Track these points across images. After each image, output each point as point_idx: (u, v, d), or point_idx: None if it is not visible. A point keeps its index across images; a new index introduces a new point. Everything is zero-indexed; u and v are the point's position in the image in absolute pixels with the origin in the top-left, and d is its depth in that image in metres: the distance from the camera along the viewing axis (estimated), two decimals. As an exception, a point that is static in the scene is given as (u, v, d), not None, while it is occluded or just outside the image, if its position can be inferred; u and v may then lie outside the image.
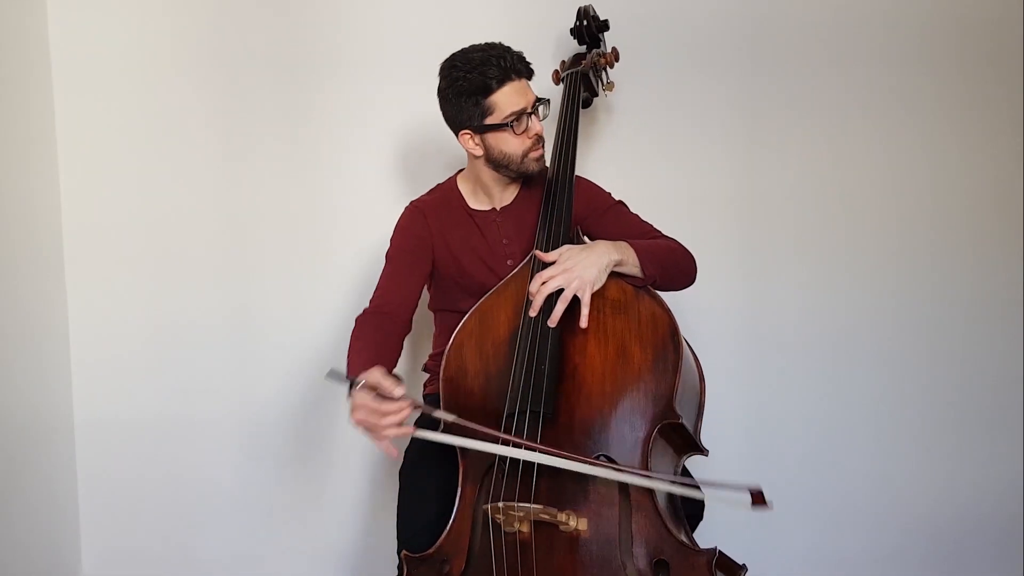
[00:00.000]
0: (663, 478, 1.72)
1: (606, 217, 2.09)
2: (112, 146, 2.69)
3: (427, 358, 2.24)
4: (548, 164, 2.10)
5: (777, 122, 2.59)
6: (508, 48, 1.96)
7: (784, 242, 2.62)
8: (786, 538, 2.64)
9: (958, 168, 2.57)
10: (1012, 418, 2.58)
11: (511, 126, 1.95)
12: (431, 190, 2.20)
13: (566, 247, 1.86)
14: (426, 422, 1.81)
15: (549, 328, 1.78)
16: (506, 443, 1.70)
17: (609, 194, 2.15)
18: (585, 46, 2.41)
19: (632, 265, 1.83)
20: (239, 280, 2.71)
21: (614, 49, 2.35)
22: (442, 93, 2.00)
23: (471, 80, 1.92)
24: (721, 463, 2.42)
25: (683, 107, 2.60)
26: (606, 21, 2.39)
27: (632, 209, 2.13)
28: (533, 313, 1.80)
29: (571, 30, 2.41)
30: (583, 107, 2.33)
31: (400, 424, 1.66)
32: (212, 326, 2.72)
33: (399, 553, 1.89)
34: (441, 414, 1.70)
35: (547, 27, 2.56)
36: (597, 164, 2.57)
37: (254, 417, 2.72)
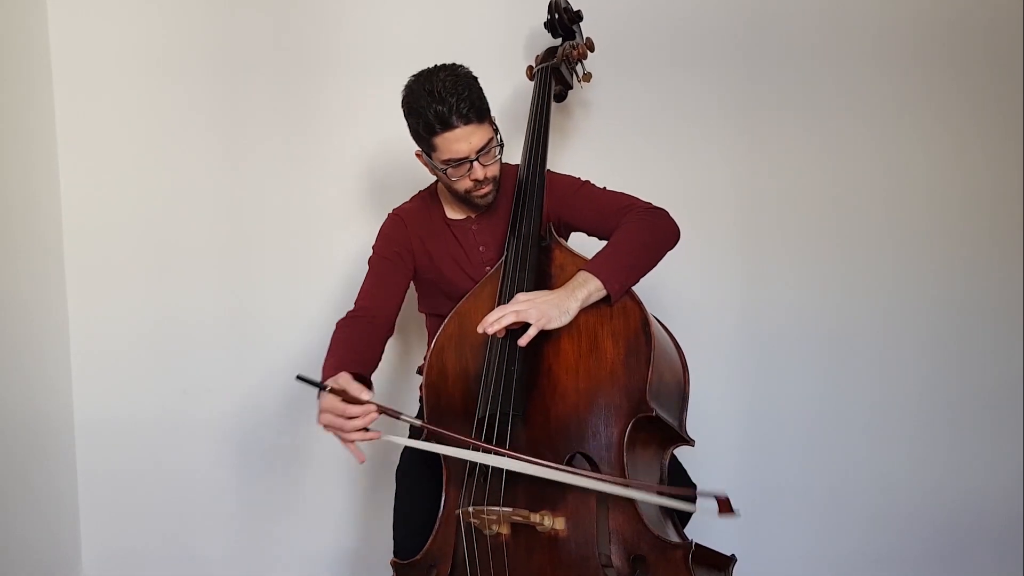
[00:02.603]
0: (631, 483, 1.70)
1: (576, 201, 2.07)
2: (112, 146, 2.70)
3: (422, 360, 2.22)
4: (520, 162, 2.10)
5: (765, 116, 2.58)
6: (461, 87, 1.87)
7: (778, 240, 2.61)
8: (784, 537, 2.64)
9: (955, 166, 2.56)
10: (1011, 417, 2.58)
11: (445, 172, 1.93)
12: (412, 197, 2.19)
13: (530, 292, 1.81)
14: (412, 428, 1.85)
15: (520, 330, 1.77)
16: (479, 449, 1.71)
17: (574, 177, 2.12)
18: (560, 39, 2.39)
19: (597, 291, 1.80)
20: (238, 280, 2.72)
21: (588, 39, 2.32)
22: (401, 107, 1.95)
23: (417, 114, 1.89)
24: (720, 462, 2.42)
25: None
26: (579, 12, 2.36)
27: None
28: (490, 331, 1.74)
29: (544, 24, 2.38)
30: (557, 101, 2.31)
31: (366, 428, 1.71)
32: (211, 326, 2.72)
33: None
34: (408, 419, 1.71)
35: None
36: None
37: (253, 417, 2.73)
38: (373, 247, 2.12)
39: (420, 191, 2.20)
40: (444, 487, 1.84)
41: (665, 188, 2.32)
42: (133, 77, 2.68)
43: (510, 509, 1.68)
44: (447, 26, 2.61)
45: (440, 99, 1.84)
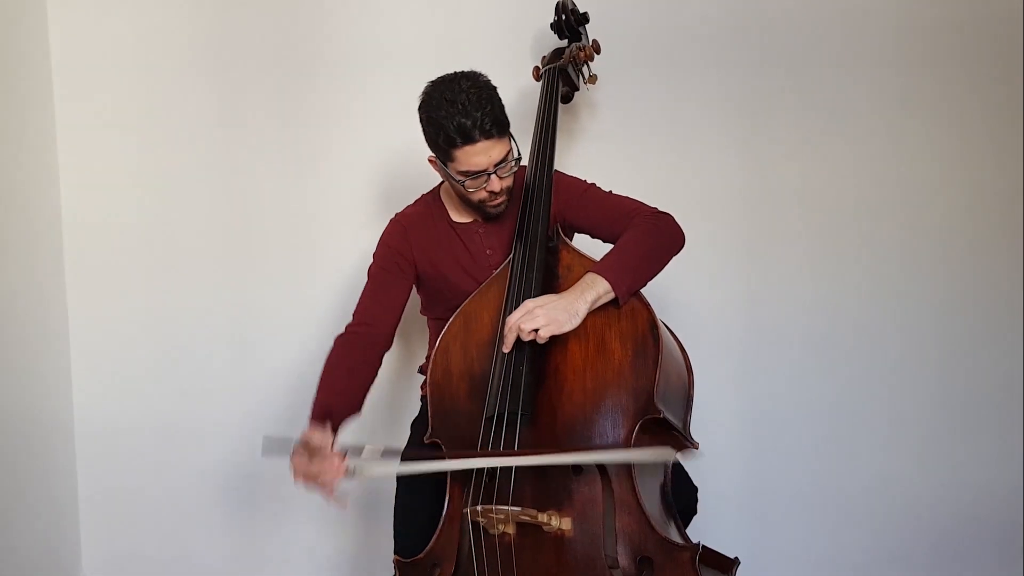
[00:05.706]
0: (615, 449, 1.74)
1: (583, 203, 2.05)
2: (112, 146, 2.69)
3: (424, 360, 2.24)
4: (525, 164, 2.08)
5: (770, 117, 2.58)
6: (484, 100, 1.85)
7: (781, 240, 2.61)
8: (786, 537, 2.64)
9: (961, 166, 2.56)
10: (1013, 418, 2.57)
11: (463, 184, 1.92)
12: (415, 202, 2.17)
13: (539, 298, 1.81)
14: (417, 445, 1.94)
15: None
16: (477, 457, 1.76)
17: (580, 179, 2.11)
18: (567, 40, 2.39)
19: (606, 293, 1.80)
20: (239, 282, 2.71)
21: (595, 41, 2.32)
22: (418, 112, 1.93)
23: (437, 124, 1.86)
24: (722, 463, 2.41)
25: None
26: (585, 13, 2.37)
27: None
28: (506, 350, 1.78)
29: (551, 25, 2.38)
30: (564, 102, 2.31)
31: (340, 474, 1.77)
32: (212, 328, 2.72)
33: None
34: (368, 449, 1.79)
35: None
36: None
37: (253, 418, 2.70)
38: (373, 255, 2.10)
39: (423, 194, 2.18)
40: (448, 486, 1.84)
41: (668, 188, 2.33)
42: (133, 77, 2.67)
43: (518, 509, 1.68)
44: (448, 26, 2.60)
45: (464, 111, 1.82)
